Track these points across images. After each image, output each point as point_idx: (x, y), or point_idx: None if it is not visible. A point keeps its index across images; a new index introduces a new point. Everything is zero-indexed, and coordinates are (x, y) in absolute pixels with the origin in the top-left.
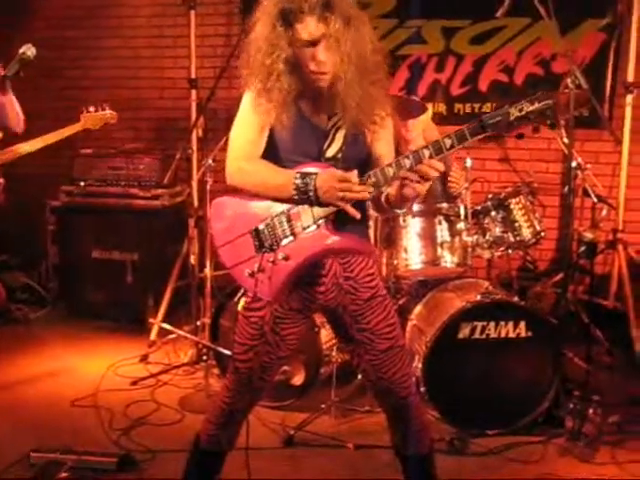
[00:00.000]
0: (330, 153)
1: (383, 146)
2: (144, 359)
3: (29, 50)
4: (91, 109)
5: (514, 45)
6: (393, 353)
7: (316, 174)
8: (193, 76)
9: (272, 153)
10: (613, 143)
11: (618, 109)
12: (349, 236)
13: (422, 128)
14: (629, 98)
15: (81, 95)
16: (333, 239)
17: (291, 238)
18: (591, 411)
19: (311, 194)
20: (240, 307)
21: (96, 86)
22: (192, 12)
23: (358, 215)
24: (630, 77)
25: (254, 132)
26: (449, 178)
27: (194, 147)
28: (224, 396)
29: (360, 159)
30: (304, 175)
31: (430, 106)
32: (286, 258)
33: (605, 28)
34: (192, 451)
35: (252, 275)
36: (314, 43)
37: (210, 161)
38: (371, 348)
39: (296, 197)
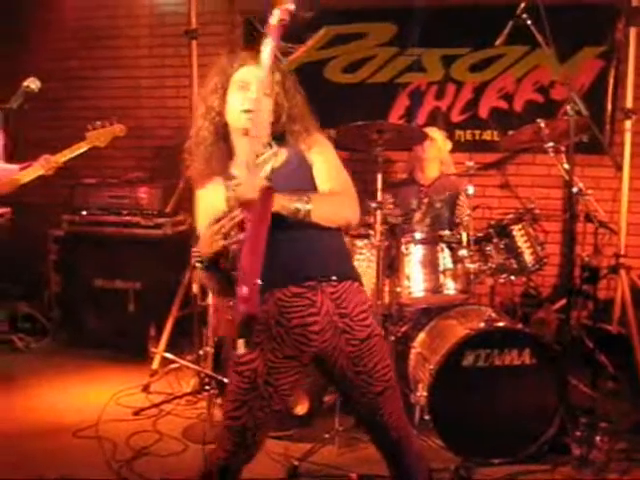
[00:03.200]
0: None
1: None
2: (146, 389)
3: (33, 83)
4: (97, 124)
5: (513, 72)
6: (388, 394)
7: None
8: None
9: None
10: (614, 168)
11: (618, 135)
12: None
13: (436, 154)
14: (628, 124)
15: (83, 125)
16: None
17: None
18: (598, 438)
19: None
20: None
21: (98, 117)
22: (194, 42)
23: None
24: (629, 103)
25: None
26: (458, 202)
27: None
28: (217, 455)
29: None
30: None
31: (445, 137)
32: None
33: (603, 55)
34: None
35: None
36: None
37: None
38: (367, 391)
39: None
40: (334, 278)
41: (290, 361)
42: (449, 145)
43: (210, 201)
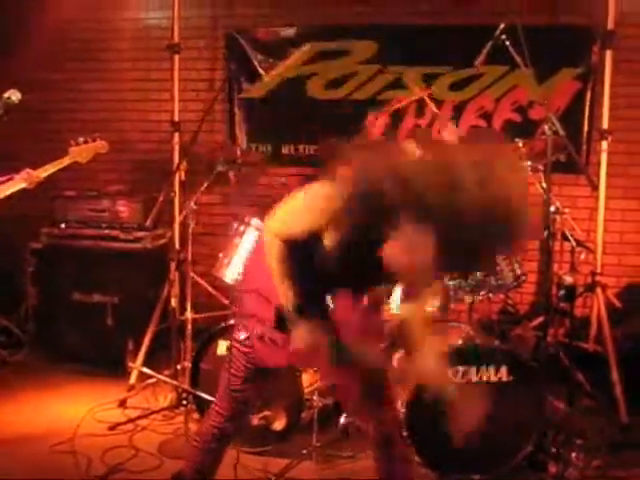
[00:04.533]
0: None
1: None
2: (123, 404)
3: (14, 95)
4: (80, 140)
5: (492, 92)
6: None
7: None
8: (176, 119)
9: None
10: (590, 188)
11: (594, 155)
12: None
13: None
14: (604, 144)
15: (66, 137)
16: None
17: None
18: (574, 455)
19: None
20: (221, 351)
21: (80, 129)
22: (176, 56)
23: None
24: (605, 124)
25: None
26: None
27: (176, 190)
28: (216, 422)
29: None
30: None
31: None
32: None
33: (580, 77)
34: None
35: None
36: None
37: (192, 204)
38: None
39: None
40: None
41: None
42: None
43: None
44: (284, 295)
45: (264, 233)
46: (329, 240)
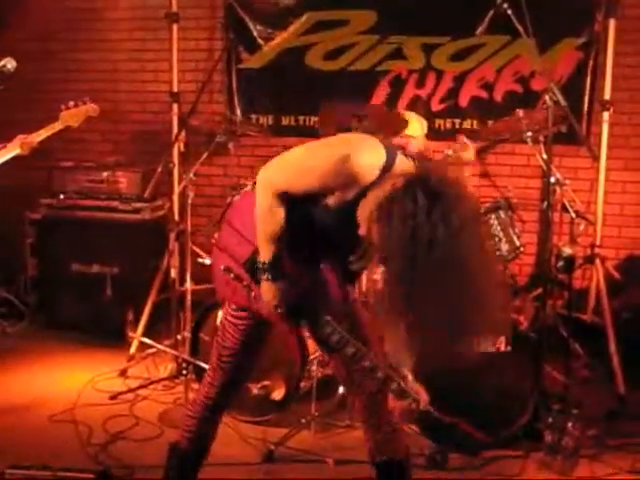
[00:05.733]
0: None
1: None
2: (123, 373)
3: (9, 63)
4: (70, 104)
5: (493, 62)
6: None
7: None
8: (175, 90)
9: None
10: (591, 159)
11: (595, 126)
12: None
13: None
14: (606, 115)
15: (60, 107)
16: None
17: None
18: (570, 425)
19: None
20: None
21: (76, 99)
22: (174, 26)
23: None
24: (607, 95)
25: None
26: None
27: (175, 161)
28: (208, 392)
29: None
30: None
31: (424, 122)
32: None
33: (582, 47)
34: (170, 459)
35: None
36: None
37: (191, 175)
38: None
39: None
40: None
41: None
42: (425, 127)
43: None
44: (261, 248)
45: (258, 181)
46: (331, 200)
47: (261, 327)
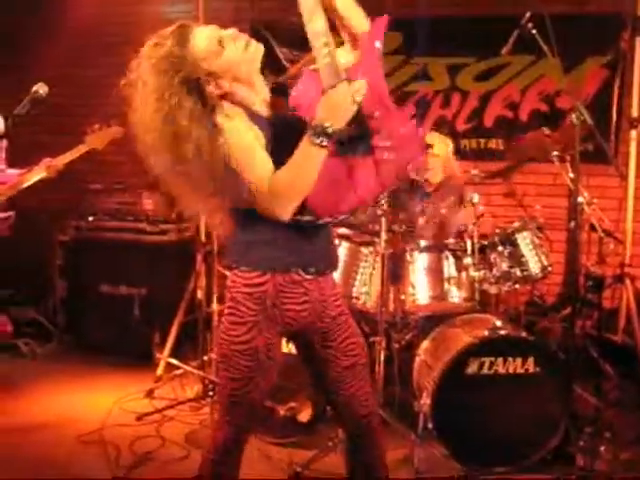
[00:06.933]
0: None
1: None
2: (150, 394)
3: (41, 88)
4: (95, 127)
5: (518, 82)
6: (356, 370)
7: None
8: None
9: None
10: (619, 178)
11: (623, 144)
12: None
13: (437, 162)
14: (634, 133)
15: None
16: None
17: None
18: (602, 448)
19: (328, 129)
20: None
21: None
22: None
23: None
24: (634, 112)
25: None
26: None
27: None
28: (228, 432)
29: None
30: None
31: (449, 141)
32: None
33: (608, 64)
34: None
35: None
36: None
37: None
38: (335, 365)
39: (324, 144)
40: (330, 271)
41: (280, 337)
42: (450, 146)
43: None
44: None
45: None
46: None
47: (270, 351)
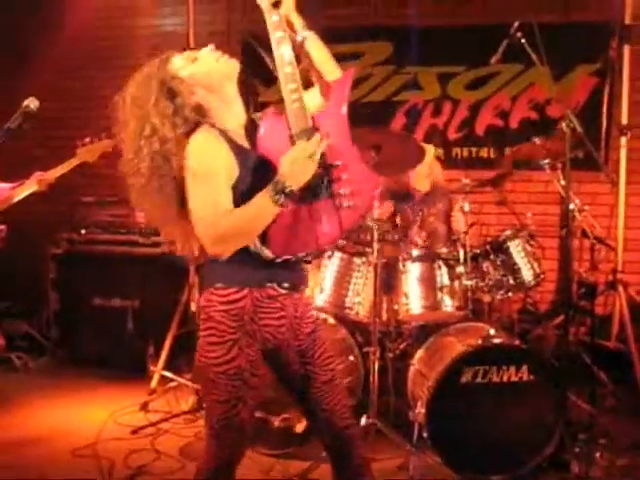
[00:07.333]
0: None
1: None
2: (144, 407)
3: (32, 103)
4: (86, 140)
5: (508, 90)
6: (334, 384)
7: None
8: None
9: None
10: (610, 184)
11: (613, 151)
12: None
13: (424, 170)
14: (623, 140)
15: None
16: None
17: None
18: (598, 455)
19: (288, 189)
20: None
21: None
22: None
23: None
24: (624, 119)
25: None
26: (452, 218)
27: None
28: (219, 456)
29: None
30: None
31: (431, 147)
32: None
33: (597, 73)
34: None
35: None
36: None
37: None
38: (314, 381)
39: (280, 202)
40: (303, 288)
41: (260, 354)
42: (432, 152)
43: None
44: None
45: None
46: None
47: (254, 368)
